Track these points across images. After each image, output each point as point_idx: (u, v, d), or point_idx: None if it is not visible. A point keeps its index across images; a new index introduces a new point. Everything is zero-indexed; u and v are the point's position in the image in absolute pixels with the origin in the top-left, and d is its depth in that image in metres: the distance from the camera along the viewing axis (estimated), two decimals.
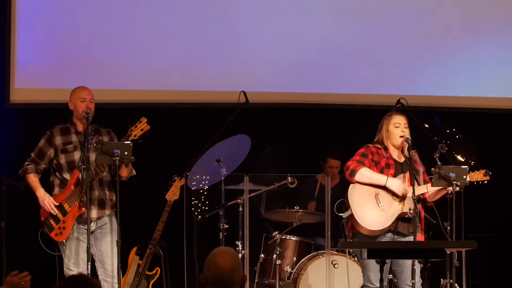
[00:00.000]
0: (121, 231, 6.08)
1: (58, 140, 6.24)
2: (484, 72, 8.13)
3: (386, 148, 6.09)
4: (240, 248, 6.85)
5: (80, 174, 6.05)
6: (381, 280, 5.60)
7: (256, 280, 7.22)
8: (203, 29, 7.84)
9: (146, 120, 6.12)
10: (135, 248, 7.03)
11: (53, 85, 7.65)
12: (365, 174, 5.96)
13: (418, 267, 5.98)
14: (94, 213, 6.15)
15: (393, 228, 5.97)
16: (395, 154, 6.10)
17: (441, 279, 6.86)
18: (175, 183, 6.84)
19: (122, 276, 6.52)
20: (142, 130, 6.11)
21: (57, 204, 6.14)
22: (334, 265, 7.04)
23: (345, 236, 7.21)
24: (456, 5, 8.13)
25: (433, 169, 5.91)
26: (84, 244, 6.09)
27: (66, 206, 6.13)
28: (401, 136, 6.04)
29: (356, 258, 6.98)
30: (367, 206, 5.94)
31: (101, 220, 6.21)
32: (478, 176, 6.08)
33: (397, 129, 6.06)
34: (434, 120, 7.89)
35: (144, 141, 6.17)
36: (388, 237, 5.97)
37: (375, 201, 5.95)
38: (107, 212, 6.23)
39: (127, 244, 6.61)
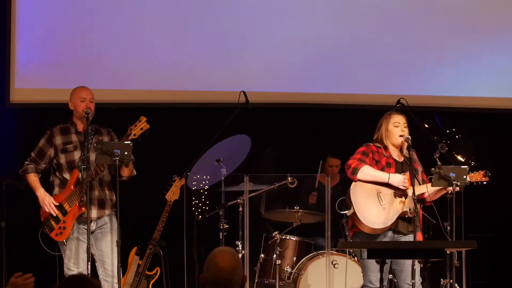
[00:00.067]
0: (121, 231, 6.08)
1: (58, 140, 6.24)
2: (484, 72, 8.13)
3: (386, 147, 6.09)
4: (240, 248, 6.85)
5: (80, 174, 6.05)
6: (381, 280, 5.60)
7: (256, 280, 7.22)
8: (203, 29, 7.84)
9: (145, 119, 6.12)
10: (135, 248, 7.03)
11: (53, 85, 7.65)
12: (367, 172, 5.96)
13: (418, 267, 5.98)
14: (94, 213, 6.15)
15: (393, 227, 5.97)
16: (394, 153, 6.11)
17: (441, 279, 6.87)
18: (175, 183, 6.84)
19: (122, 276, 6.52)
20: (141, 129, 6.11)
21: (57, 204, 6.14)
22: (334, 265, 7.04)
23: (345, 236, 7.21)
24: (456, 5, 8.13)
25: (433, 169, 5.91)
26: (84, 244, 6.09)
27: (66, 206, 6.13)
28: (400, 136, 6.04)
29: (356, 258, 6.98)
30: (370, 204, 5.94)
31: (101, 220, 6.21)
32: (478, 176, 6.08)
33: (396, 129, 6.06)
34: (434, 120, 7.89)
35: (144, 141, 6.17)
36: (389, 236, 5.97)
37: (377, 200, 5.95)
38: (107, 212, 6.23)
39: (127, 244, 6.61)
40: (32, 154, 6.28)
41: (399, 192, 5.98)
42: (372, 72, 8.04)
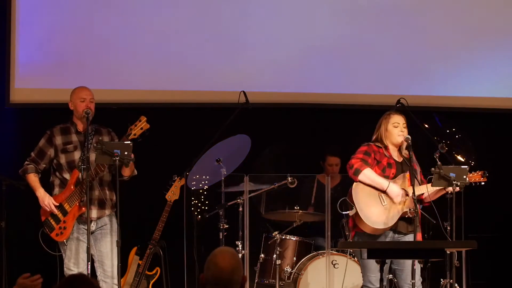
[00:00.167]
0: (121, 231, 6.08)
1: (58, 140, 6.24)
2: (484, 72, 8.13)
3: (386, 147, 6.09)
4: (240, 248, 6.85)
5: (80, 174, 6.05)
6: (381, 280, 5.59)
7: (256, 280, 7.23)
8: (203, 29, 7.84)
9: (145, 118, 6.12)
10: (135, 248, 7.03)
11: (53, 85, 7.65)
12: (368, 175, 5.95)
13: (418, 267, 5.98)
14: (94, 213, 6.15)
15: (393, 227, 5.97)
16: (394, 153, 6.11)
17: (441, 279, 6.87)
18: (175, 183, 6.84)
19: (122, 277, 6.52)
20: (141, 128, 6.11)
21: (57, 204, 6.14)
22: (334, 265, 7.04)
23: (345, 236, 7.21)
24: (456, 5, 8.13)
25: (433, 169, 5.91)
26: (84, 244, 6.09)
27: (66, 206, 6.13)
28: (400, 136, 6.03)
29: (356, 258, 6.98)
30: (372, 204, 5.94)
31: (101, 220, 6.21)
32: (476, 177, 6.09)
33: (396, 129, 6.06)
34: (434, 120, 7.89)
35: (144, 141, 6.17)
36: (389, 236, 5.97)
37: (379, 200, 5.95)
38: (107, 212, 6.22)
39: (127, 244, 6.61)
40: (32, 154, 6.27)
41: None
42: (372, 72, 8.04)
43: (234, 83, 7.64)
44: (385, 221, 5.92)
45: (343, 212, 6.14)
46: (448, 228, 6.38)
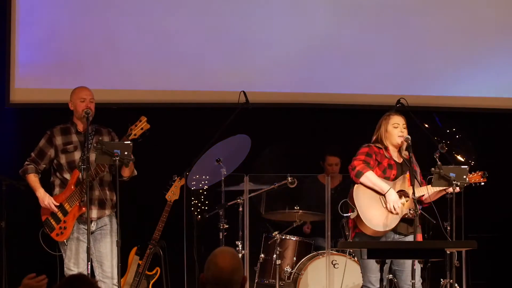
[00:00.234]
0: (121, 231, 6.08)
1: (59, 140, 6.24)
2: (484, 72, 8.13)
3: (386, 148, 6.08)
4: (240, 248, 6.85)
5: (80, 174, 6.05)
6: (381, 280, 5.59)
7: (256, 280, 7.23)
8: (203, 29, 7.84)
9: (146, 119, 6.12)
10: (135, 248, 7.03)
11: (53, 85, 7.65)
12: (370, 178, 5.93)
13: (418, 267, 5.97)
14: (94, 213, 6.15)
15: (394, 228, 5.96)
16: (394, 154, 6.10)
17: (441, 279, 6.87)
18: (175, 183, 6.84)
19: (122, 277, 6.52)
20: (142, 129, 6.11)
21: (58, 204, 6.14)
22: (334, 265, 7.04)
23: (345, 236, 7.21)
24: (456, 5, 8.13)
25: (433, 169, 5.91)
26: (84, 244, 6.08)
27: (66, 206, 6.13)
28: (399, 136, 6.03)
29: (356, 258, 6.98)
30: (373, 207, 5.93)
31: (101, 221, 6.21)
32: (476, 178, 6.09)
33: (396, 129, 6.05)
34: (434, 120, 7.89)
35: (144, 141, 6.16)
36: (390, 237, 5.97)
37: (380, 202, 5.94)
38: (107, 212, 6.22)
39: (127, 244, 6.61)
40: (32, 154, 6.27)
41: (401, 193, 5.98)
42: (372, 72, 8.04)
43: (234, 83, 7.64)
44: (386, 223, 5.91)
45: (344, 214, 6.13)
46: (448, 228, 6.38)
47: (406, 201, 5.95)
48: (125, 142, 5.96)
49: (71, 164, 6.18)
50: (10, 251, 6.92)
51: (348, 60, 8.02)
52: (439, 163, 5.92)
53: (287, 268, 7.17)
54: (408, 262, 5.89)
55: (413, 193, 5.82)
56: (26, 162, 6.26)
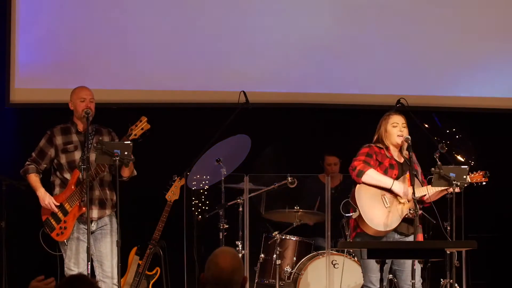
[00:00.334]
0: (121, 231, 6.08)
1: (59, 140, 6.24)
2: (484, 72, 8.13)
3: (387, 148, 6.09)
4: (240, 248, 6.85)
5: (80, 174, 6.04)
6: (381, 280, 5.59)
7: (256, 280, 7.23)
8: (203, 29, 7.84)
9: (146, 119, 6.12)
10: (135, 248, 7.03)
11: (53, 85, 7.65)
12: (372, 176, 5.94)
13: (418, 267, 5.97)
14: (94, 213, 6.15)
15: (396, 229, 5.97)
16: (395, 154, 6.11)
17: (441, 279, 6.87)
18: (175, 183, 6.84)
19: (122, 277, 6.52)
20: (142, 129, 6.10)
21: (58, 204, 6.14)
22: (334, 265, 7.04)
23: (345, 236, 7.21)
24: (455, 6, 8.13)
25: (433, 169, 5.91)
26: (84, 244, 6.08)
27: (67, 206, 6.13)
28: (399, 136, 6.03)
29: (356, 258, 6.98)
30: (375, 206, 5.93)
31: (101, 221, 6.21)
32: (478, 177, 6.09)
33: (395, 129, 6.06)
34: (434, 120, 7.89)
35: (144, 141, 6.16)
36: (392, 237, 5.97)
37: (381, 202, 5.95)
38: (108, 212, 6.22)
39: (127, 244, 6.61)
40: (33, 154, 6.27)
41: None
42: (372, 72, 8.04)
43: (234, 83, 7.64)
44: (388, 223, 5.91)
45: (346, 214, 6.13)
46: (448, 228, 6.38)
47: (408, 201, 5.95)
48: (125, 142, 5.96)
49: (71, 164, 6.18)
50: (10, 251, 6.92)
51: (348, 60, 8.02)
52: (439, 163, 5.92)
53: (287, 268, 7.18)
54: (409, 262, 5.89)
55: (413, 193, 5.83)
56: (27, 162, 6.26)
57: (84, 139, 6.18)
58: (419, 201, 5.99)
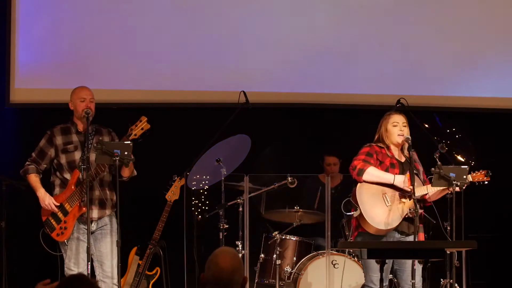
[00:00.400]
0: (121, 231, 6.08)
1: (59, 140, 6.24)
2: (484, 72, 8.13)
3: (388, 148, 6.09)
4: (240, 248, 6.85)
5: (80, 174, 6.04)
6: (381, 280, 5.59)
7: (256, 280, 7.23)
8: (203, 29, 7.84)
9: (146, 119, 6.12)
10: (135, 248, 7.03)
11: (53, 85, 7.65)
12: (373, 173, 5.96)
13: (419, 267, 5.98)
14: (95, 213, 6.15)
15: (397, 228, 5.97)
16: (396, 153, 6.11)
17: (441, 279, 6.86)
18: (175, 183, 6.84)
19: (122, 277, 6.52)
20: (142, 129, 6.10)
21: (58, 204, 6.14)
22: (334, 265, 7.04)
23: (345, 236, 7.21)
24: (455, 6, 8.13)
25: (433, 169, 5.92)
26: (84, 244, 6.08)
27: (67, 206, 6.13)
28: (400, 135, 6.04)
29: (356, 258, 6.98)
30: (376, 205, 5.94)
31: (101, 221, 6.21)
32: (480, 176, 6.09)
33: (395, 128, 6.07)
34: (434, 120, 7.89)
35: (144, 141, 6.16)
36: (393, 236, 5.98)
37: (382, 201, 5.96)
38: (108, 212, 6.22)
39: (127, 244, 6.61)
40: (33, 155, 6.27)
41: (404, 193, 5.98)
42: (372, 72, 8.04)
43: (234, 83, 7.64)
44: (389, 221, 5.92)
45: (347, 213, 6.13)
46: (448, 228, 6.38)
47: (407, 200, 5.95)
48: (125, 142, 5.96)
49: (71, 164, 6.18)
50: (10, 251, 6.92)
51: (348, 60, 8.02)
52: (439, 163, 5.92)
53: (287, 268, 7.18)
54: (409, 262, 5.90)
55: (413, 193, 5.83)
56: (27, 162, 6.26)
57: (84, 139, 6.18)
58: (421, 200, 6.00)
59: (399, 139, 6.05)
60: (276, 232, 7.18)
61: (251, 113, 7.11)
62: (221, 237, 6.80)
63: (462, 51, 8.13)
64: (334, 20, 8.00)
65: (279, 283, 7.07)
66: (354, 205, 5.97)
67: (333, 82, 8.03)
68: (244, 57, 7.91)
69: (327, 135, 8.14)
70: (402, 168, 6.06)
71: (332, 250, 7.11)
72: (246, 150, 6.86)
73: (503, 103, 8.20)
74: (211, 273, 3.50)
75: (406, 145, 6.06)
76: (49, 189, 6.23)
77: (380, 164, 6.03)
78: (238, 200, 6.96)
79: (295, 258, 7.22)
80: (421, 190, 5.94)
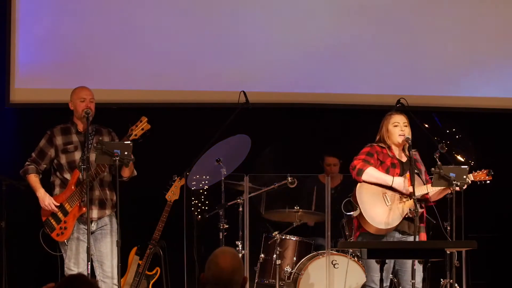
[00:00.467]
0: (121, 231, 6.08)
1: (59, 140, 6.24)
2: (484, 72, 8.13)
3: (389, 148, 6.10)
4: (240, 248, 6.85)
5: (80, 174, 6.04)
6: (381, 280, 5.59)
7: (256, 280, 7.22)
8: (203, 29, 7.84)
9: (146, 119, 6.12)
10: (135, 248, 7.03)
11: (53, 85, 7.65)
12: (372, 173, 5.96)
13: (420, 267, 5.98)
14: (94, 213, 6.15)
15: (399, 228, 5.97)
16: (397, 153, 6.12)
17: (441, 279, 6.86)
18: (175, 183, 6.84)
19: (122, 277, 6.52)
20: (142, 129, 6.10)
21: (58, 204, 6.14)
22: (334, 265, 7.04)
23: (345, 236, 7.21)
24: (455, 6, 8.13)
25: (433, 169, 5.92)
26: (84, 244, 6.08)
27: (67, 206, 6.13)
28: (400, 135, 6.04)
29: (356, 258, 6.98)
30: (376, 205, 5.95)
31: (101, 221, 6.21)
32: (482, 176, 6.09)
33: (396, 128, 6.08)
34: (434, 120, 7.89)
35: (144, 141, 6.16)
36: (395, 236, 5.98)
37: (383, 200, 5.96)
38: (108, 212, 6.22)
39: (127, 244, 6.61)
40: (33, 155, 6.27)
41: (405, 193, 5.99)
42: (372, 72, 8.04)
43: (234, 83, 7.64)
44: (389, 221, 5.92)
45: (347, 213, 6.14)
46: (448, 228, 6.38)
47: (408, 199, 5.95)
48: (125, 142, 5.96)
49: (71, 164, 6.18)
50: (10, 251, 6.92)
51: (348, 60, 8.02)
52: (439, 163, 5.92)
53: (287, 268, 7.17)
54: (411, 262, 5.89)
55: (413, 193, 5.83)
56: (27, 163, 6.26)
57: (84, 139, 6.18)
58: (423, 200, 6.00)
59: (400, 139, 6.06)
60: (276, 232, 7.18)
61: (251, 113, 7.11)
62: (221, 237, 6.79)
63: (462, 51, 8.13)
64: (334, 20, 8.00)
65: (279, 283, 7.07)
66: (354, 205, 5.97)
67: (333, 82, 8.03)
68: (244, 57, 7.91)
69: (327, 135, 8.14)
70: (403, 168, 6.06)
71: (332, 250, 7.11)
72: (246, 150, 6.86)
73: (503, 103, 8.20)
74: (211, 273, 3.50)
75: (407, 145, 6.06)
76: (49, 189, 6.23)
77: (381, 164, 6.03)
78: (238, 200, 6.95)
79: (295, 258, 7.22)
80: (421, 190, 5.94)
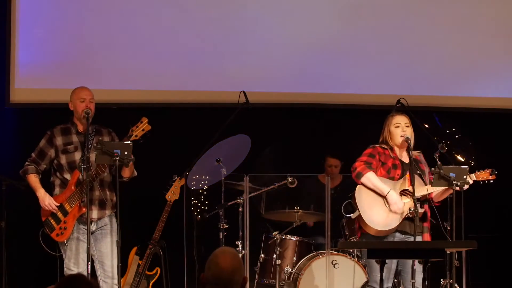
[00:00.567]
0: (121, 231, 6.08)
1: (59, 141, 6.24)
2: (484, 72, 8.13)
3: (392, 149, 6.10)
4: (240, 248, 6.85)
5: (80, 175, 6.04)
6: (381, 280, 5.59)
7: (256, 280, 7.23)
8: (203, 29, 7.84)
9: (147, 120, 6.11)
10: (135, 248, 7.03)
11: (53, 85, 7.65)
12: (370, 179, 5.96)
13: (419, 267, 5.98)
14: (94, 214, 6.15)
15: (400, 228, 5.97)
16: (400, 154, 6.12)
17: (441, 279, 6.86)
18: (175, 183, 6.84)
19: (122, 277, 6.52)
20: (143, 130, 6.10)
21: (58, 204, 6.14)
22: (334, 265, 7.04)
23: (345, 236, 7.22)
24: (456, 5, 8.12)
25: (433, 169, 5.92)
26: (84, 244, 6.08)
27: (67, 206, 6.13)
28: (402, 136, 6.05)
29: (356, 258, 6.99)
30: (375, 206, 5.94)
31: (101, 221, 6.21)
32: (485, 175, 6.09)
33: (397, 129, 6.08)
34: (434, 120, 7.89)
35: (145, 141, 6.16)
36: (397, 237, 5.97)
37: (382, 202, 5.96)
38: (108, 212, 6.22)
39: (127, 244, 6.61)
40: (33, 155, 6.27)
41: (405, 193, 5.98)
42: (372, 72, 8.03)
43: (234, 83, 7.64)
44: (388, 222, 5.92)
45: (347, 215, 6.14)
46: (448, 228, 6.38)
47: (409, 200, 5.95)
48: (125, 142, 5.96)
49: (71, 165, 6.18)
50: (10, 251, 6.92)
51: (348, 60, 8.02)
52: (439, 163, 5.92)
53: (287, 268, 7.17)
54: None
55: (413, 193, 5.83)
56: (27, 163, 6.26)
57: (84, 139, 6.18)
58: (428, 200, 6.00)
59: (401, 140, 6.06)
60: (276, 232, 7.18)
61: (251, 113, 7.11)
62: (221, 237, 6.80)
63: (462, 51, 8.13)
64: (334, 20, 7.99)
65: (279, 283, 7.07)
66: (354, 207, 5.98)
67: (333, 82, 8.03)
68: (244, 57, 7.91)
69: (327, 135, 8.14)
70: (404, 169, 6.06)
71: (332, 250, 7.11)
72: (246, 150, 6.86)
73: (503, 103, 8.20)
74: (211, 273, 3.50)
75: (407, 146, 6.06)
76: (49, 189, 6.23)
77: (383, 165, 6.03)
78: (238, 200, 6.96)
79: (295, 258, 7.22)
80: (421, 191, 5.94)
